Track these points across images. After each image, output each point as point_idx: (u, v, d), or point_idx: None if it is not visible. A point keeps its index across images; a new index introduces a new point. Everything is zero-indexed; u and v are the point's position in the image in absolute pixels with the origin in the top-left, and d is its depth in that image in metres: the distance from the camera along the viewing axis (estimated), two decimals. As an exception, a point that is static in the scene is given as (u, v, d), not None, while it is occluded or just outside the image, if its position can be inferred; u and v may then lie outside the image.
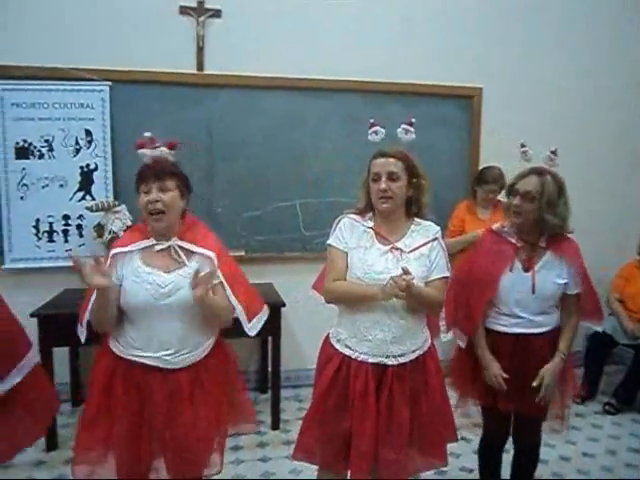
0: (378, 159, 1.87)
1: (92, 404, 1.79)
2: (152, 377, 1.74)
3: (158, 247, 1.77)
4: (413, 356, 1.85)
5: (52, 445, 2.77)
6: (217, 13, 3.35)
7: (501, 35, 3.77)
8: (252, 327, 1.88)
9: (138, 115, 3.28)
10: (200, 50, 3.36)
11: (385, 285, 1.71)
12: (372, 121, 2.01)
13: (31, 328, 2.71)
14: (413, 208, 1.93)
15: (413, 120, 1.97)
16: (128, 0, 3.24)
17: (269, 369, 3.36)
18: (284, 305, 3.01)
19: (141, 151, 1.81)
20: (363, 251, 1.85)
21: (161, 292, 1.71)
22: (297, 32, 3.46)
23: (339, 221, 1.96)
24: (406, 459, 1.83)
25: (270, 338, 3.06)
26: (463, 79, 3.71)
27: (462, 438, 2.96)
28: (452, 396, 2.10)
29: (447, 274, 1.90)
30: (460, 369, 2.22)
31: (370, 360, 1.81)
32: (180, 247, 1.78)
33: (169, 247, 1.77)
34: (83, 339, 1.84)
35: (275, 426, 3.06)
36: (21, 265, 3.22)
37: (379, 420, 1.79)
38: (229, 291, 1.80)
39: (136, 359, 1.75)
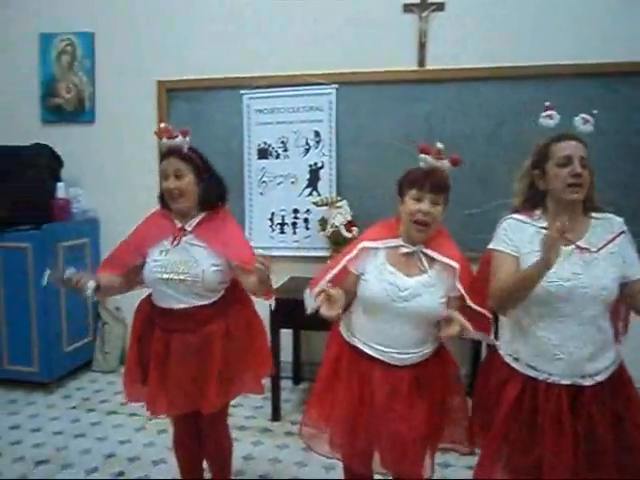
0: (565, 141, 1.63)
1: (320, 381, 1.92)
2: (375, 369, 1.78)
3: (404, 250, 1.78)
4: (609, 372, 1.60)
5: (276, 417, 3.07)
6: (440, 6, 3.30)
7: None
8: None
9: (360, 114, 3.42)
10: (422, 46, 3.35)
11: (543, 251, 1.44)
12: (547, 104, 1.78)
13: (265, 309, 3.08)
14: (587, 203, 1.67)
15: (595, 112, 1.69)
16: (354, 6, 3.40)
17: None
18: (502, 309, 2.81)
19: (424, 156, 1.79)
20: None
21: (399, 295, 1.73)
22: (521, 17, 3.21)
23: (501, 223, 1.74)
24: None
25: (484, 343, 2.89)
26: None
27: None
28: None
29: None
30: None
31: (563, 382, 1.59)
32: (424, 254, 1.77)
33: (414, 252, 1.78)
34: (309, 308, 1.84)
35: (486, 435, 2.89)
36: (258, 252, 3.62)
37: (577, 450, 1.54)
38: (471, 303, 1.74)
39: (362, 347, 1.81)
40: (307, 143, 3.52)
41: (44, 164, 3.57)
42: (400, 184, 1.82)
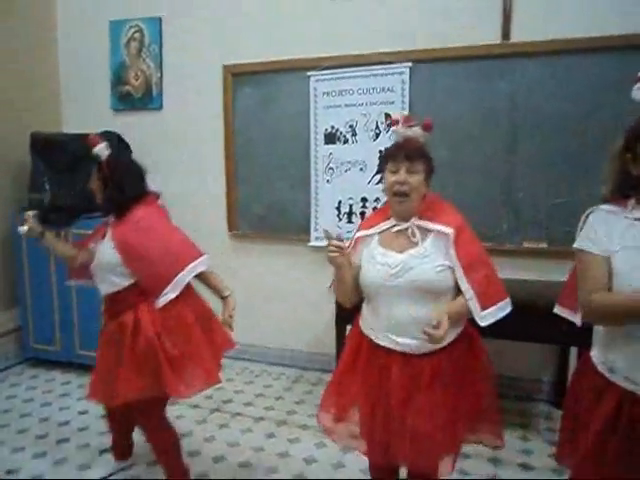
0: None
1: (338, 372, 1.89)
2: (393, 359, 1.70)
3: (396, 228, 1.74)
4: None
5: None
6: (529, -29, 2.96)
7: None
8: (485, 316, 1.66)
9: (436, 94, 3.15)
10: (507, 17, 3.02)
11: None
12: None
13: (330, 305, 2.93)
14: None
15: None
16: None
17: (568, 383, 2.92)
18: (596, 311, 2.48)
19: (394, 128, 1.78)
20: (636, 252, 1.35)
21: (391, 273, 1.66)
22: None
23: (587, 216, 1.48)
24: None
25: (576, 348, 2.58)
26: None
27: None
28: None
29: None
30: None
31: None
32: (418, 227, 1.71)
33: (407, 228, 1.72)
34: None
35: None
36: (323, 243, 3.45)
37: None
38: (461, 273, 1.64)
39: (377, 341, 1.74)
40: (377, 127, 3.30)
41: (112, 151, 3.56)
42: (379, 163, 1.73)
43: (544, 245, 3.01)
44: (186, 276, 2.06)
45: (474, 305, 1.64)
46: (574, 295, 1.54)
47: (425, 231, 1.70)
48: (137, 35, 3.78)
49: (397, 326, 1.67)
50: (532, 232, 3.05)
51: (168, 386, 2.01)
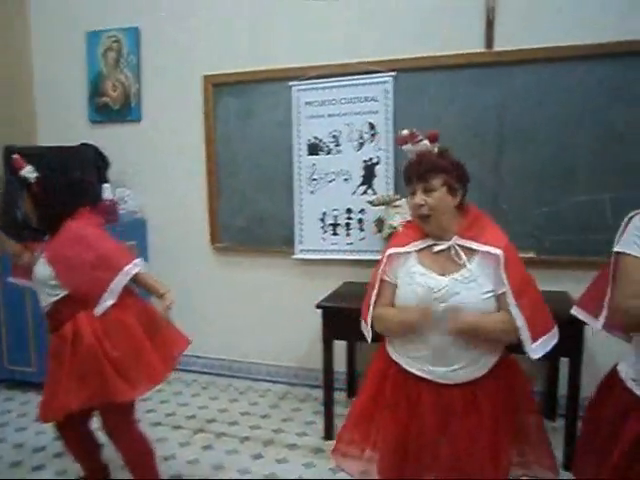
0: None
1: (360, 401, 1.79)
2: (423, 389, 1.62)
3: (437, 248, 1.62)
4: None
5: (329, 435, 2.81)
6: (511, -22, 2.95)
7: None
8: (536, 349, 1.59)
9: (420, 104, 3.12)
10: (490, 24, 3.00)
11: None
12: None
13: (316, 318, 2.85)
14: None
15: None
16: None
17: (559, 394, 2.89)
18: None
19: (404, 147, 1.75)
20: None
21: (434, 297, 1.55)
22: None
23: (629, 219, 1.41)
24: None
25: (567, 359, 2.54)
26: None
27: None
28: None
29: None
30: None
31: None
32: (461, 246, 1.59)
33: (449, 247, 1.60)
34: (370, 338, 1.74)
35: (568, 466, 2.52)
36: (308, 256, 3.41)
37: None
38: (511, 299, 1.54)
39: (407, 367, 1.65)
40: (361, 137, 3.25)
41: (90, 165, 3.47)
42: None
43: (531, 255, 2.98)
44: (121, 280, 2.04)
45: (525, 335, 1.56)
46: (597, 300, 1.49)
47: (470, 251, 1.59)
48: (115, 45, 3.70)
49: (432, 352, 1.59)
50: (520, 242, 3.00)
51: (114, 389, 1.97)
